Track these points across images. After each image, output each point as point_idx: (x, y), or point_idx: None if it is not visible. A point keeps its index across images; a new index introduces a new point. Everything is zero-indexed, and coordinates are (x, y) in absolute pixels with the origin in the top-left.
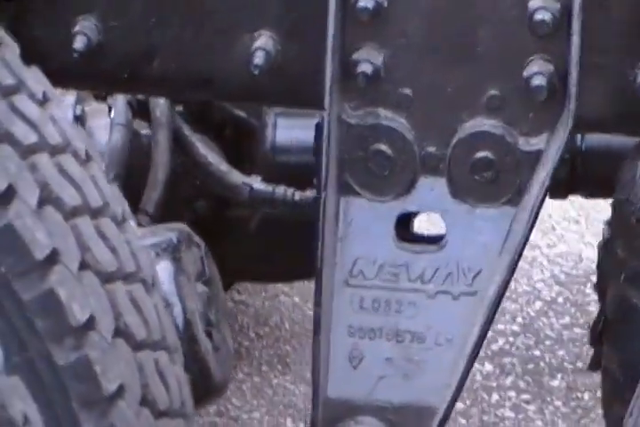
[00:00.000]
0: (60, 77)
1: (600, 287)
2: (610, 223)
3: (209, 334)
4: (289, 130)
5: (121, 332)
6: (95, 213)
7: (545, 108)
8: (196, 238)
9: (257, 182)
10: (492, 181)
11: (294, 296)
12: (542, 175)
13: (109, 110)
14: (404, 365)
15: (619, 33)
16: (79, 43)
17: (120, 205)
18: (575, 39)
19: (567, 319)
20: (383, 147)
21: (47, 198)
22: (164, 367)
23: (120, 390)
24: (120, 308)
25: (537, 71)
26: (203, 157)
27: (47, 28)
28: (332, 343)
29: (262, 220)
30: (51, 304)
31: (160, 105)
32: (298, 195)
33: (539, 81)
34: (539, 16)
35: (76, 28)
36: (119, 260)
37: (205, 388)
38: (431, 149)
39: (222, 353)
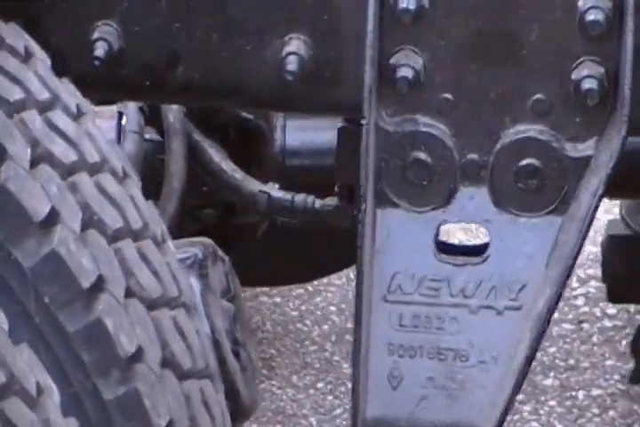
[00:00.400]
0: (77, 86)
1: None
2: None
3: (236, 354)
4: (299, 132)
5: (168, 362)
6: (137, 236)
7: (594, 112)
8: (220, 253)
9: (274, 190)
10: (537, 189)
11: (275, 297)
12: (594, 183)
13: (119, 115)
14: (447, 384)
15: None
16: (100, 49)
17: (158, 224)
18: (629, 40)
19: (555, 315)
20: (422, 155)
21: (90, 221)
22: (209, 397)
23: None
24: (166, 336)
25: (587, 74)
26: (216, 164)
27: (64, 33)
28: (370, 363)
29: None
30: (97, 335)
31: (173, 110)
32: (318, 203)
33: (590, 84)
34: (590, 16)
35: (96, 35)
36: (163, 285)
37: (234, 411)
38: (472, 156)
39: (249, 373)
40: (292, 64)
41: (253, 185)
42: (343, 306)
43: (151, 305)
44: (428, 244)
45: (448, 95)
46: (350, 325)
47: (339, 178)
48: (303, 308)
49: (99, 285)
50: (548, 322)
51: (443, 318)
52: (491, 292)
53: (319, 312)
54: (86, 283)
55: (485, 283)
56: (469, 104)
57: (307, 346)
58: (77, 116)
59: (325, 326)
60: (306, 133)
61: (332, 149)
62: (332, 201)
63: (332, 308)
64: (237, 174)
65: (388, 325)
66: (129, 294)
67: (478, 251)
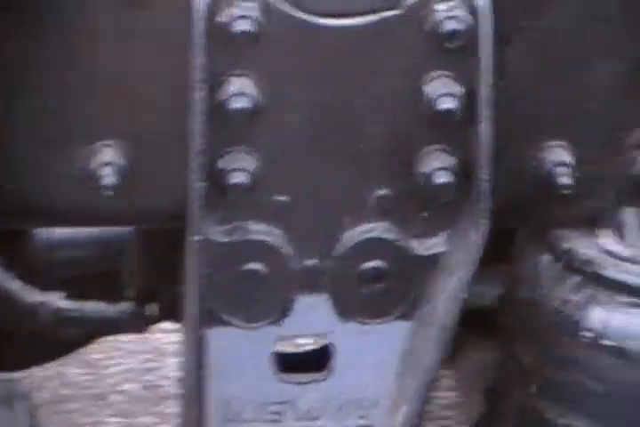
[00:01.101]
0: None
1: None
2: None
3: None
4: None
5: None
6: None
7: (443, 205)
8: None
9: (60, 299)
10: (383, 293)
11: None
12: (451, 284)
13: None
14: None
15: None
16: None
17: None
18: (485, 128)
19: None
20: (255, 265)
21: None
22: None
23: None
24: None
25: (440, 166)
26: None
27: None
28: None
29: None
30: None
31: None
32: (113, 309)
33: (443, 178)
34: (442, 104)
35: None
36: None
37: None
38: (311, 262)
39: None
40: (107, 177)
41: (34, 295)
42: None
43: None
44: (265, 363)
45: (283, 197)
46: None
47: (132, 280)
48: None
49: None
50: None
51: None
52: (340, 411)
53: None
54: None
55: (332, 401)
56: (307, 205)
57: None
58: None
59: None
60: None
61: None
62: (127, 305)
63: None
64: (13, 284)
65: None
66: None
67: (322, 360)
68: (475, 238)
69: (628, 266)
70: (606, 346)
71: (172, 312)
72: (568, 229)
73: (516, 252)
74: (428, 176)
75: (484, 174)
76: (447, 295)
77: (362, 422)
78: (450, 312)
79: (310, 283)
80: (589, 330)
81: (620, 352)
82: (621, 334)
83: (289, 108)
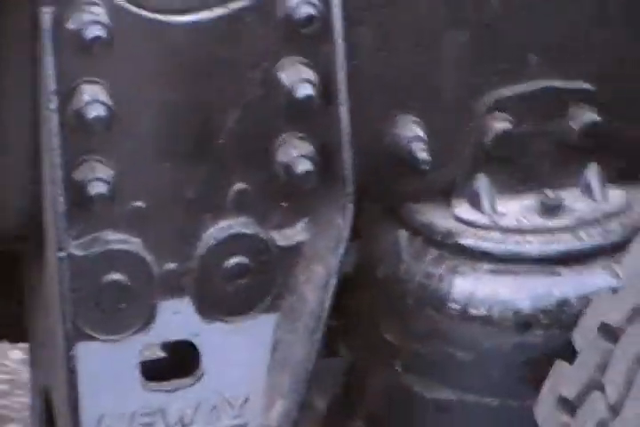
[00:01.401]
0: None
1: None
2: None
3: None
4: None
5: None
6: None
7: (302, 193)
8: None
9: None
10: (247, 288)
11: None
12: (319, 273)
13: None
14: None
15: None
16: None
17: None
18: (342, 111)
19: None
20: (116, 276)
21: None
22: None
23: None
24: None
25: (299, 154)
26: None
27: None
28: None
29: None
30: None
31: None
32: None
33: (305, 166)
34: (301, 91)
35: None
36: None
37: None
38: (171, 266)
39: None
40: None
41: None
42: None
43: None
44: (132, 374)
45: (140, 203)
46: None
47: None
48: None
49: None
50: None
51: None
52: (212, 413)
53: None
54: None
55: (204, 405)
56: (164, 209)
57: None
58: None
59: None
60: None
61: None
62: None
63: None
64: None
65: None
66: None
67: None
68: (340, 223)
69: (487, 234)
70: (474, 316)
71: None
72: (423, 203)
73: (366, 230)
74: (288, 166)
75: (346, 158)
76: (315, 284)
77: (236, 421)
78: (319, 301)
79: (172, 287)
80: (456, 301)
81: (488, 321)
82: (488, 302)
83: (143, 112)
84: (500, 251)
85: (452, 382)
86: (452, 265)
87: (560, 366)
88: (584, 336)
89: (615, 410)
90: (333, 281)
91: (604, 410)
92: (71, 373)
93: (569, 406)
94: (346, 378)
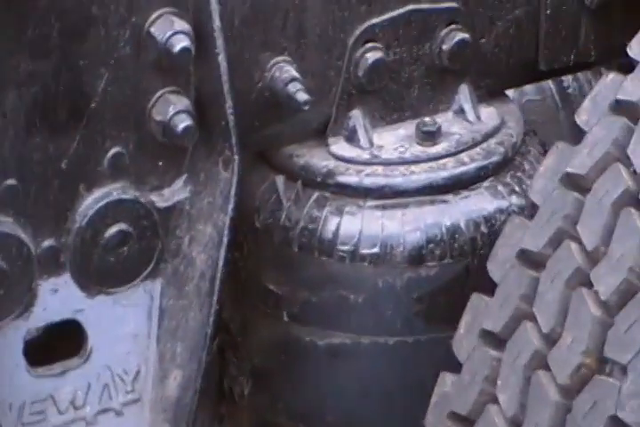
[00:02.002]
0: None
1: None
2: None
3: None
4: None
5: None
6: None
7: (178, 150)
8: None
9: None
10: (130, 256)
11: None
12: (207, 232)
13: None
14: None
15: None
16: None
17: None
18: (221, 59)
19: None
20: None
21: None
22: None
23: None
24: None
25: (177, 110)
26: None
27: None
28: None
29: None
30: None
31: None
32: None
33: (184, 122)
34: (177, 44)
35: None
36: None
37: None
38: (48, 242)
39: None
40: None
41: None
42: None
43: None
44: (17, 362)
45: (12, 181)
46: None
47: None
48: None
49: None
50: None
51: None
52: (104, 392)
53: None
54: None
55: (94, 384)
56: (37, 184)
57: None
58: None
59: None
60: None
61: None
62: None
63: None
64: None
65: None
66: None
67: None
68: (226, 177)
69: (369, 169)
70: (364, 255)
71: None
72: (298, 145)
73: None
74: (166, 124)
75: (228, 108)
76: (203, 245)
77: (130, 397)
78: (210, 262)
79: (51, 265)
80: (344, 243)
81: (379, 259)
82: (378, 239)
83: (11, 86)
84: (384, 185)
85: (346, 327)
86: (336, 206)
87: (478, 300)
88: (501, 266)
89: (550, 339)
90: (225, 239)
91: (537, 340)
92: None
93: (495, 339)
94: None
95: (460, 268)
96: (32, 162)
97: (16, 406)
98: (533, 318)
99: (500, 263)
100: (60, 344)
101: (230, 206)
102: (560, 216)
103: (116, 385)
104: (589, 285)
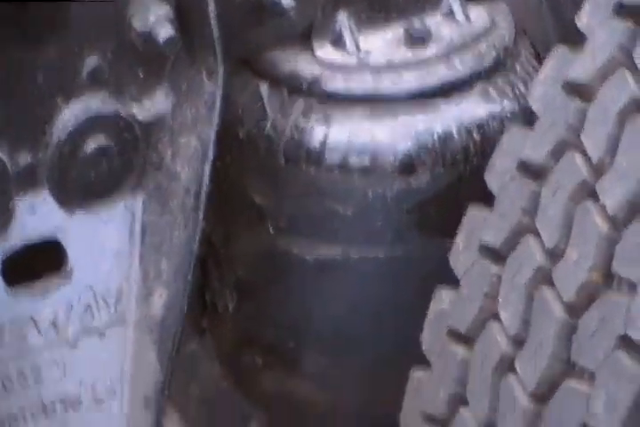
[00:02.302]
0: None
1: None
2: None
3: None
4: None
5: None
6: None
7: (158, 61)
8: None
9: None
10: (109, 172)
11: None
12: (190, 145)
13: None
14: None
15: None
16: None
17: None
18: None
19: None
20: None
21: None
22: None
23: None
24: None
25: (156, 20)
26: None
27: None
28: None
29: None
30: None
31: None
32: None
33: (166, 31)
34: None
35: None
36: None
37: None
38: (24, 160)
39: None
40: None
41: None
42: None
43: None
44: None
45: None
46: None
47: None
48: None
49: None
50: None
51: (39, 365)
52: (86, 313)
53: None
54: None
55: (77, 305)
56: (12, 99)
57: None
58: None
59: None
60: None
61: None
62: None
63: None
64: None
65: None
66: None
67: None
68: (209, 86)
69: (357, 75)
70: (354, 165)
71: None
72: (282, 50)
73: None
74: (148, 33)
75: (211, 12)
76: (186, 158)
77: (113, 317)
78: (195, 176)
79: (29, 182)
80: (333, 153)
81: (369, 169)
82: (367, 148)
83: None
84: (373, 92)
85: (335, 240)
86: (324, 114)
87: (476, 212)
88: (500, 178)
89: (554, 254)
90: (210, 153)
91: (541, 256)
92: None
93: (495, 254)
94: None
95: (453, 177)
96: (7, 75)
97: None
98: (536, 233)
99: (498, 174)
100: (41, 265)
101: (215, 119)
102: (562, 126)
103: (98, 306)
104: (595, 198)
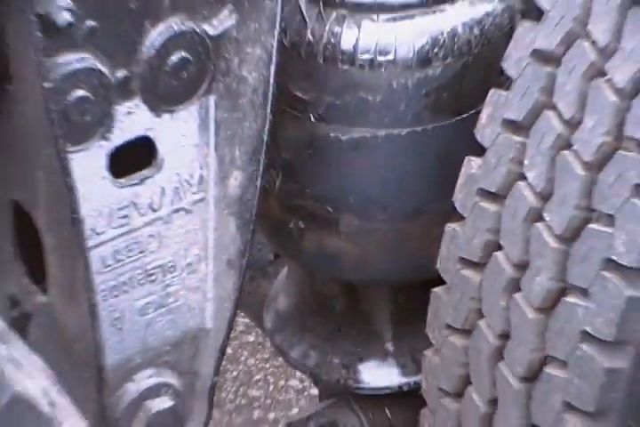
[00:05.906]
0: None
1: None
2: None
3: None
4: None
5: None
6: None
7: None
8: None
9: None
10: (188, 79)
11: None
12: (255, 54)
13: None
14: (164, 301)
15: None
16: None
17: None
18: None
19: None
20: (81, 92)
21: None
22: None
23: None
24: None
25: None
26: None
27: None
28: (97, 315)
29: None
30: None
31: None
32: None
33: None
34: None
35: None
36: None
37: None
38: (122, 72)
39: None
40: None
41: None
42: None
43: None
44: (103, 175)
45: (91, 22)
46: None
47: None
48: None
49: None
50: (254, 206)
51: (140, 241)
52: (175, 195)
53: None
54: None
55: (168, 189)
56: (111, 23)
57: None
58: None
59: None
60: None
61: None
62: None
63: None
64: None
65: (96, 272)
66: None
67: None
68: (269, 3)
69: None
70: (381, 62)
71: None
72: None
73: None
74: None
75: None
76: (252, 64)
77: (197, 196)
78: (261, 79)
79: (125, 91)
80: (363, 53)
81: (393, 63)
82: (391, 47)
83: None
84: (393, 1)
85: (365, 123)
86: (354, 21)
87: (498, 94)
88: (516, 64)
89: (572, 124)
90: (274, 59)
91: (559, 125)
92: (67, 179)
93: (518, 127)
94: None
95: (460, 66)
96: (107, 4)
97: (105, 213)
98: (554, 108)
99: (514, 62)
100: (136, 159)
101: (276, 31)
102: (569, 19)
103: (184, 188)
104: (604, 76)
